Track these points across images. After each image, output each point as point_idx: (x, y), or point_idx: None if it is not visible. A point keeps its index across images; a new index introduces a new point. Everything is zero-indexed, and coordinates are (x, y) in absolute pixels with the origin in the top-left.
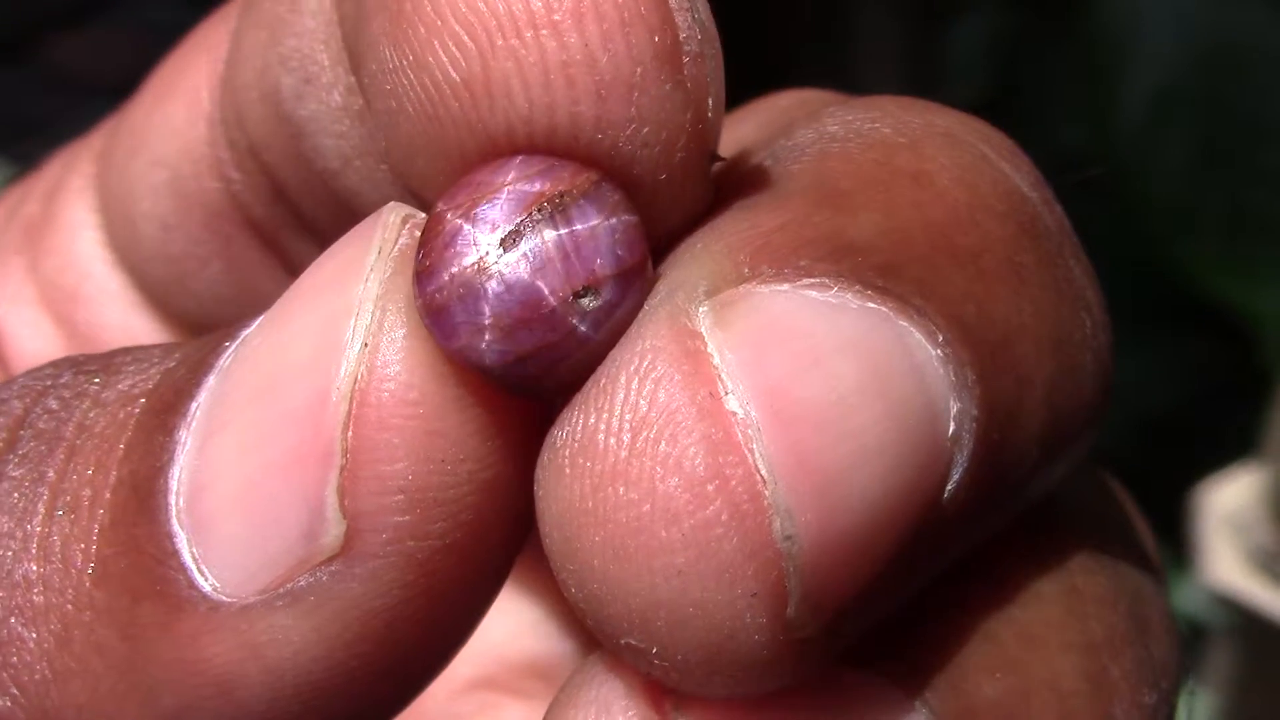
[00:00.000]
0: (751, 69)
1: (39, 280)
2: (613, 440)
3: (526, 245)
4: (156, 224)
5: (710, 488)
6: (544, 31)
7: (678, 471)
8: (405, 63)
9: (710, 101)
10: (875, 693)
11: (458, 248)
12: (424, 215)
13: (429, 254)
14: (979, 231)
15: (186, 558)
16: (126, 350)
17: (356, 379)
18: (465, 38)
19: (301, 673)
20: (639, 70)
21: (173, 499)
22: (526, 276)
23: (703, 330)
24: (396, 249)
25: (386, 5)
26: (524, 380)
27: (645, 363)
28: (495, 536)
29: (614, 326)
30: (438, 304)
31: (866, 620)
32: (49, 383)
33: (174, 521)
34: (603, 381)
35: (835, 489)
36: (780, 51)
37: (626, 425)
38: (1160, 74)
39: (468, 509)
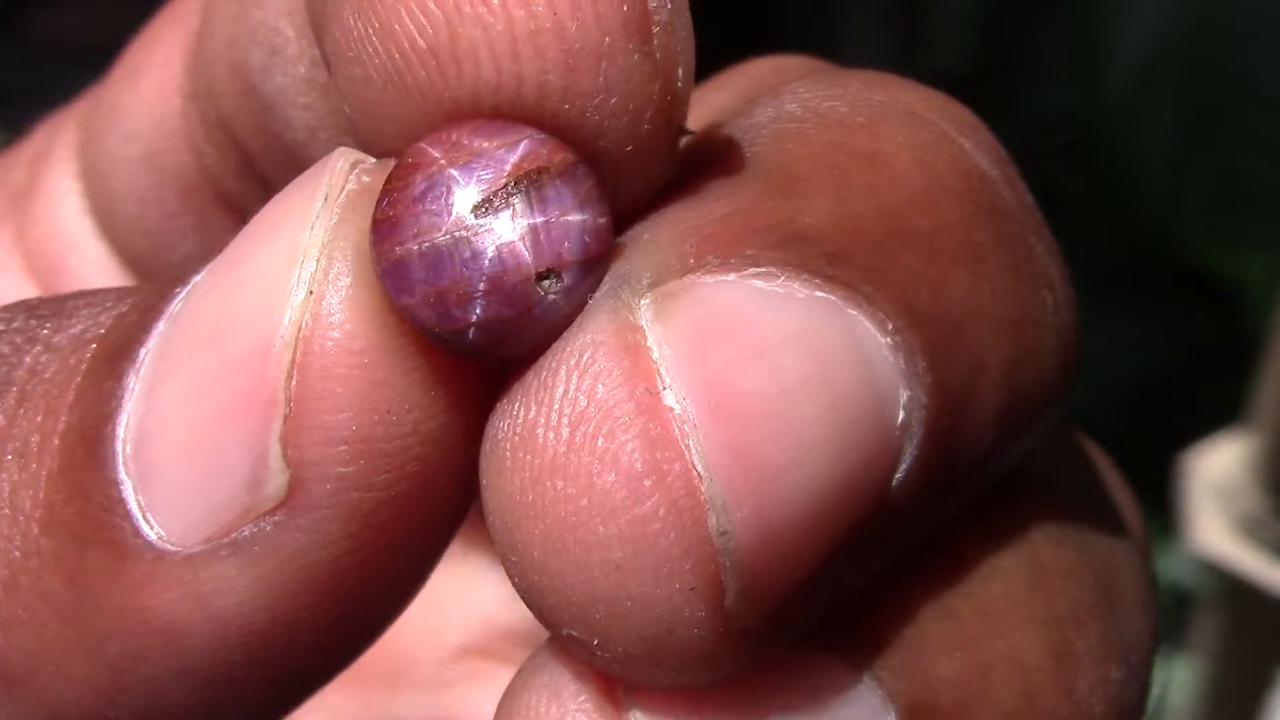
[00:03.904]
0: (740, 37)
1: (24, 249)
2: (551, 435)
3: (499, 217)
4: (133, 198)
5: (647, 483)
6: None
7: (614, 467)
8: (371, 30)
9: (679, 73)
10: (829, 673)
11: (427, 204)
12: (373, 160)
13: (394, 204)
14: (935, 213)
15: (132, 505)
16: (80, 294)
17: (301, 327)
18: (432, 5)
19: (246, 623)
20: (607, 40)
21: (120, 446)
22: (493, 249)
23: (643, 324)
24: (344, 195)
25: None
26: (467, 348)
27: (585, 357)
28: (443, 488)
29: (569, 311)
30: (396, 258)
31: (813, 610)
32: (1, 327)
33: (120, 469)
34: (544, 374)
35: (773, 484)
36: (769, 18)
37: (565, 420)
38: (1149, 39)
39: (413, 460)
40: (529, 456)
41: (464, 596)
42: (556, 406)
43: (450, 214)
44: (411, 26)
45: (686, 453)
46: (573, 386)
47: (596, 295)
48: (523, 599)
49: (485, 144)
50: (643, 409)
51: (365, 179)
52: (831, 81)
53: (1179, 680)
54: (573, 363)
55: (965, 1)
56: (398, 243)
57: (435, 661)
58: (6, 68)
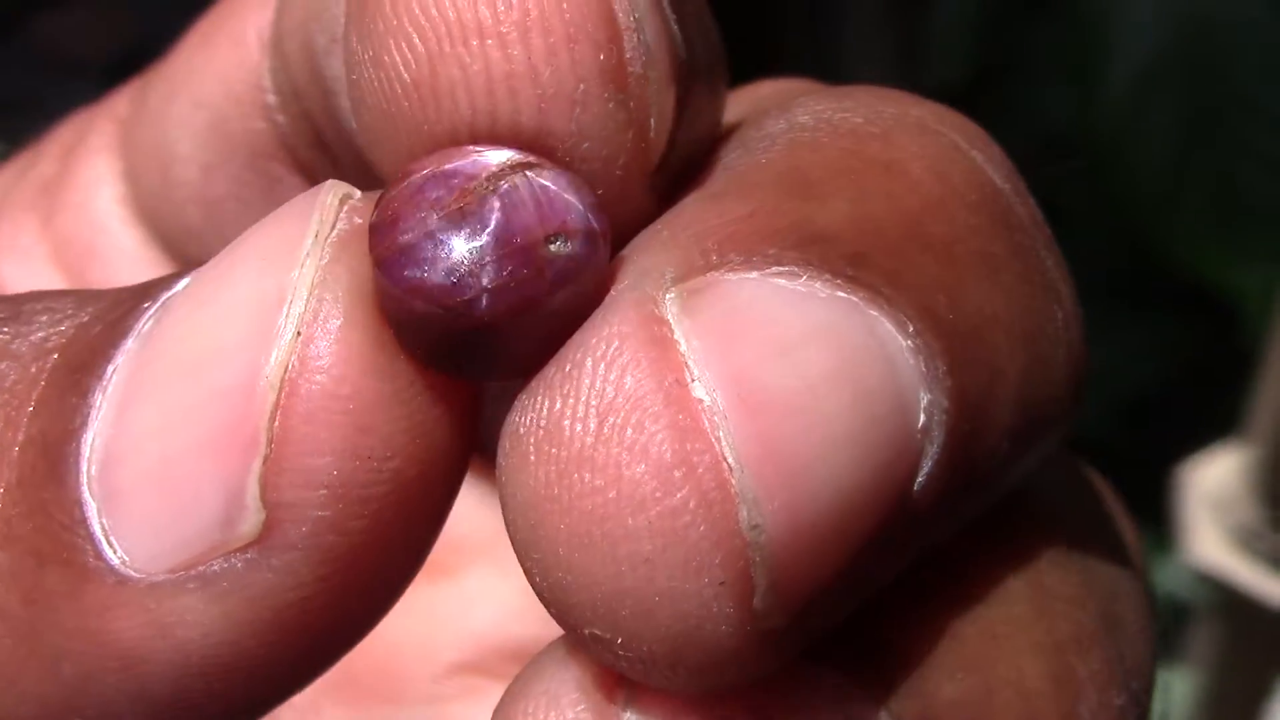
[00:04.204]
0: (739, 39)
1: (53, 237)
2: (578, 426)
3: (501, 189)
4: (196, 166)
5: (677, 474)
6: (489, 41)
7: (644, 458)
8: (366, 57)
9: (653, 122)
10: (832, 689)
11: (428, 194)
12: (360, 196)
13: (391, 204)
14: (951, 221)
15: (95, 527)
16: (38, 296)
17: (287, 368)
18: (417, 40)
19: (209, 655)
20: (581, 86)
21: (84, 465)
22: (500, 214)
23: (669, 317)
24: (335, 234)
25: None
26: (477, 323)
27: (612, 348)
28: (415, 532)
29: (575, 294)
30: (400, 245)
31: (834, 614)
32: None
33: (84, 489)
34: (568, 367)
35: (802, 478)
36: (767, 29)
37: (593, 411)
38: (1146, 49)
39: (390, 506)
40: (554, 449)
41: (458, 614)
42: (583, 398)
43: (449, 195)
44: (398, 59)
45: (717, 444)
46: (599, 378)
47: (617, 288)
48: (543, 599)
49: (478, 149)
50: (672, 400)
51: (356, 220)
52: (842, 95)
53: (1176, 692)
54: (599, 354)
55: (963, 8)
56: (401, 231)
57: (429, 678)
58: (6, 78)
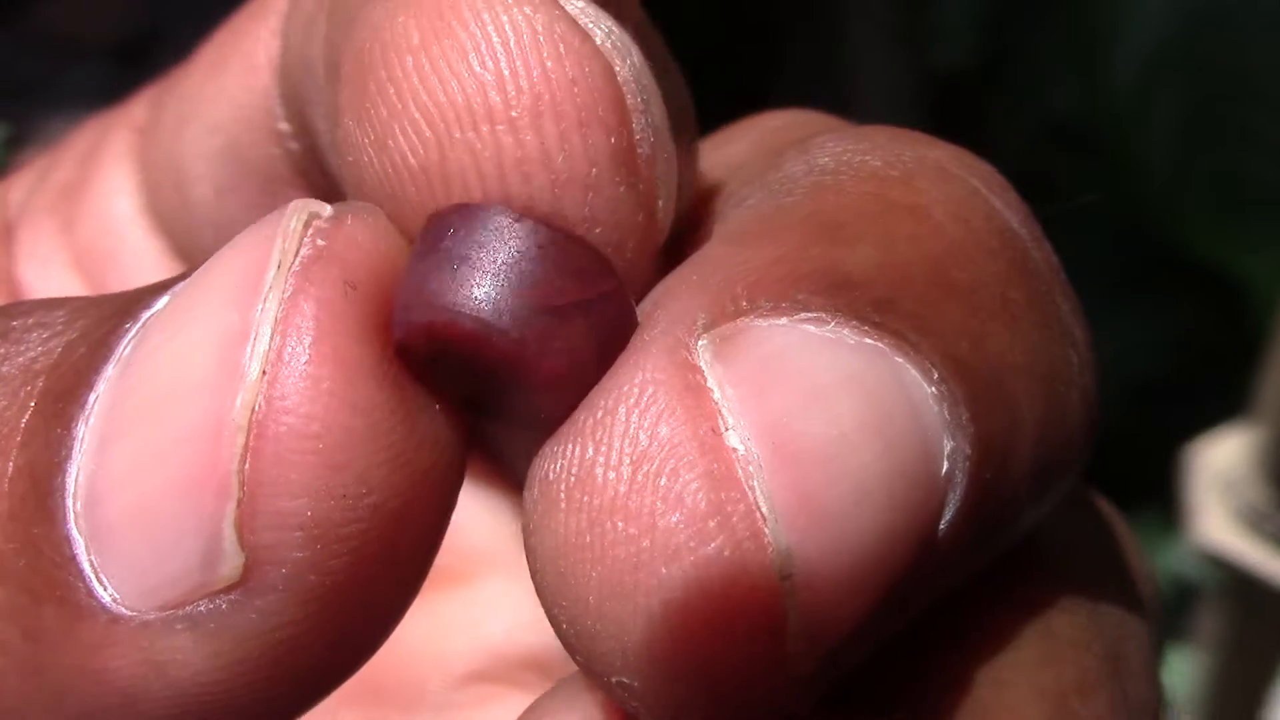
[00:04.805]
0: (740, 34)
1: (73, 243)
2: (612, 474)
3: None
4: (210, 189)
5: (712, 524)
6: (500, 127)
7: (679, 507)
8: (366, 140)
9: (660, 203)
10: None
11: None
12: (328, 214)
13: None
14: (973, 267)
15: (85, 565)
16: (30, 309)
17: (254, 409)
18: (424, 126)
19: (203, 692)
20: (594, 170)
21: (69, 501)
22: (545, 226)
23: (702, 364)
24: (298, 262)
25: (352, 79)
26: (493, 348)
27: (646, 395)
28: (402, 564)
29: (599, 334)
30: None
31: (857, 656)
32: None
33: (71, 525)
34: (600, 413)
35: (834, 527)
36: (768, 14)
37: (626, 459)
38: (1153, 35)
39: (372, 541)
40: (587, 497)
41: (471, 622)
42: (616, 445)
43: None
44: (404, 144)
45: (750, 494)
46: (633, 425)
47: (648, 334)
48: (568, 646)
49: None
50: (707, 449)
51: (320, 243)
52: (859, 136)
53: (1183, 673)
54: (632, 401)
55: None
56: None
57: (443, 686)
58: (12, 62)
